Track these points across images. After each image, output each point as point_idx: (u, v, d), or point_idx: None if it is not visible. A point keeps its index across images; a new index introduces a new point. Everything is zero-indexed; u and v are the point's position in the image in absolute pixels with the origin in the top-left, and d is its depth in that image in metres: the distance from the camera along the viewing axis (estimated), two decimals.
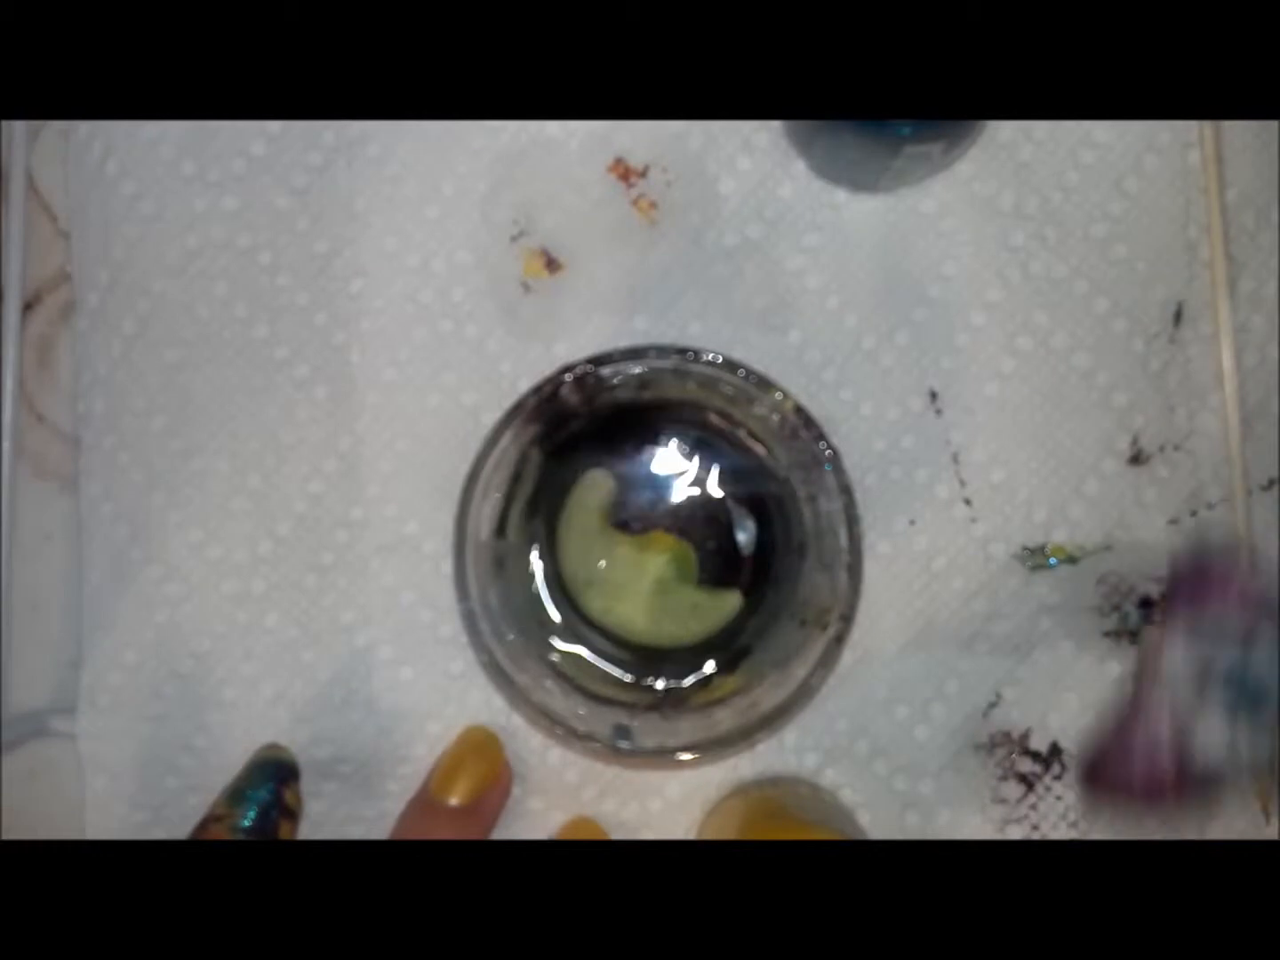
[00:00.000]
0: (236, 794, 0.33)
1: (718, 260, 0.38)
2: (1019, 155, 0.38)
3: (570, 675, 0.35)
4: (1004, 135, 0.38)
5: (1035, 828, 0.38)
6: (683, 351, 0.33)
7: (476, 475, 0.33)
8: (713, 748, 0.33)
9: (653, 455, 0.37)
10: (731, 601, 0.36)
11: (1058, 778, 0.38)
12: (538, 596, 0.36)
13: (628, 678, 0.36)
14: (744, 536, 0.37)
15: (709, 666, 0.36)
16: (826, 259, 0.38)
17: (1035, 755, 0.38)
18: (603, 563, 0.36)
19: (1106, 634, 0.38)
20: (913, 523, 0.38)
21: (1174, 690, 0.32)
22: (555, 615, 0.36)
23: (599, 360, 0.33)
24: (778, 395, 0.33)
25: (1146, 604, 0.38)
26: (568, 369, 0.33)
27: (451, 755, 0.36)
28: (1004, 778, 0.38)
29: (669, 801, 0.38)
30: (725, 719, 0.34)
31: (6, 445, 0.39)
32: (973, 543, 0.38)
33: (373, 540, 0.38)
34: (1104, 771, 0.34)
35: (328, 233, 0.39)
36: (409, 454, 0.38)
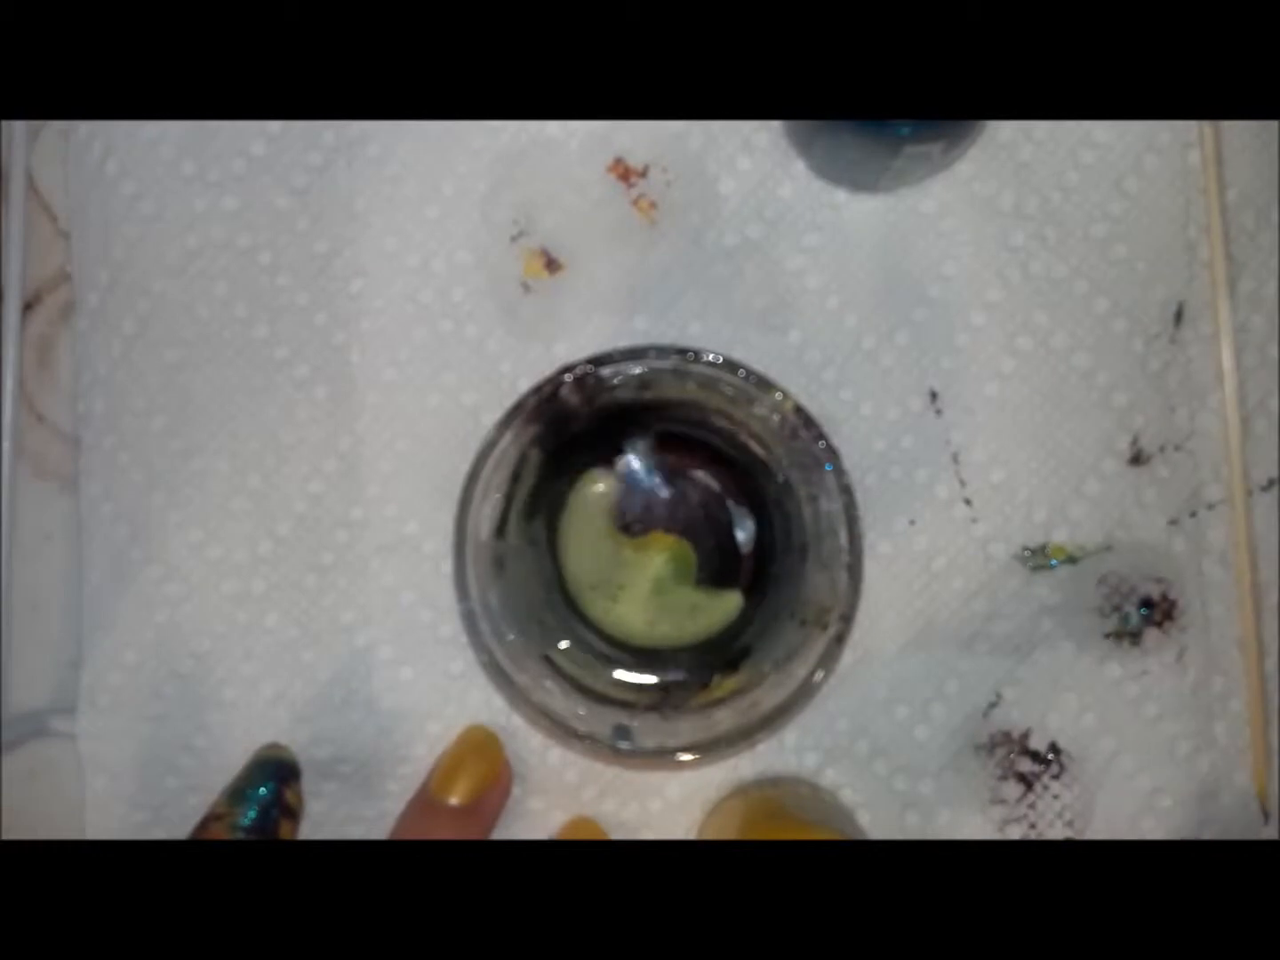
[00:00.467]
0: (237, 793, 0.33)
1: (718, 260, 0.38)
2: (1019, 155, 0.38)
3: (570, 675, 0.35)
4: (1004, 135, 0.38)
5: (1033, 826, 0.38)
6: (683, 352, 0.33)
7: (476, 475, 0.33)
8: (713, 748, 0.33)
9: (653, 456, 0.37)
10: (731, 602, 0.36)
11: (1056, 777, 0.38)
12: (538, 597, 0.36)
13: (627, 678, 0.36)
14: (743, 536, 0.37)
15: (709, 666, 0.36)
16: (826, 259, 0.38)
17: (1035, 755, 0.38)
18: (603, 564, 0.36)
19: (1107, 635, 0.38)
20: (913, 523, 0.38)
21: None
22: (555, 615, 0.36)
23: (599, 360, 0.33)
24: (778, 395, 0.33)
25: (1147, 604, 0.38)
26: (568, 369, 0.33)
27: (451, 755, 0.36)
28: (1003, 778, 0.38)
29: (669, 802, 0.38)
30: (725, 719, 0.34)
31: (6, 445, 0.39)
32: (973, 543, 0.38)
33: (373, 540, 0.38)
34: None
35: (328, 233, 0.39)
36: (409, 454, 0.38)
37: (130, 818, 0.38)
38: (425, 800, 0.36)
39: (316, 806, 0.38)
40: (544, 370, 0.34)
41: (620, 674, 0.36)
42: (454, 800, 0.35)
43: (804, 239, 0.38)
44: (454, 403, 0.38)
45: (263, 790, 0.33)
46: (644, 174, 0.39)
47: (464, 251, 0.39)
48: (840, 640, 0.33)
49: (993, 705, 0.38)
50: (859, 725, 0.38)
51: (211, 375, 0.39)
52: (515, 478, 0.35)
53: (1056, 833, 0.38)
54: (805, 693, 0.33)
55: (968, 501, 0.38)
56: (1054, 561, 0.38)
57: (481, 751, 0.36)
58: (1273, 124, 0.38)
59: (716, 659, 0.36)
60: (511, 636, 0.34)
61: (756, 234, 0.38)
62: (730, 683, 0.35)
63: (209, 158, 0.39)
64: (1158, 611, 0.38)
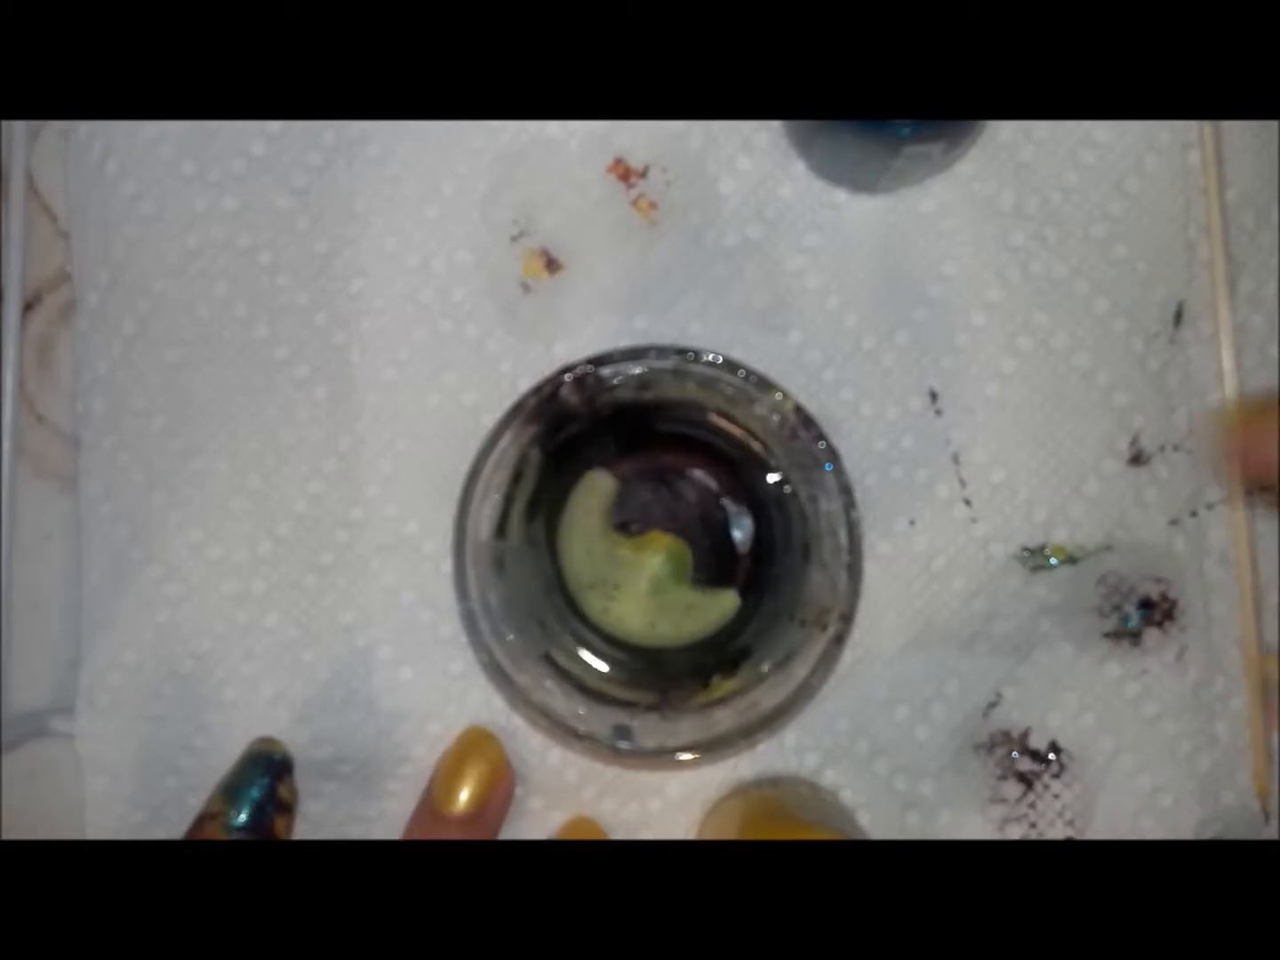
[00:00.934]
0: (230, 790, 0.33)
1: (718, 260, 0.38)
2: (1019, 155, 0.38)
3: (570, 675, 0.35)
4: (1004, 135, 0.38)
5: (1033, 826, 0.38)
6: (682, 352, 0.33)
7: (476, 475, 0.33)
8: (713, 748, 0.33)
9: (652, 455, 0.37)
10: (727, 601, 0.36)
11: (1056, 777, 0.38)
12: (538, 597, 0.36)
13: (627, 678, 0.36)
14: (740, 536, 0.37)
15: (709, 666, 0.36)
16: (826, 259, 0.38)
17: (1035, 755, 0.38)
18: (601, 563, 0.36)
19: (1106, 634, 0.38)
20: (913, 523, 0.38)
21: None
22: (555, 615, 0.36)
23: (599, 360, 0.33)
24: (778, 395, 0.33)
25: (1147, 604, 0.38)
26: (567, 369, 0.33)
27: (451, 761, 0.36)
28: (1003, 777, 0.38)
29: (669, 801, 0.38)
30: (725, 719, 0.34)
31: (6, 445, 0.39)
32: (973, 543, 0.38)
33: (373, 540, 0.38)
34: None
35: (328, 233, 0.39)
36: (409, 454, 0.38)
37: (130, 818, 0.38)
38: (429, 810, 0.35)
39: (316, 806, 0.38)
40: (544, 370, 0.34)
41: (620, 674, 0.36)
42: (458, 808, 0.35)
43: (804, 239, 0.38)
44: (454, 403, 0.38)
45: (256, 787, 0.33)
46: (644, 174, 0.39)
47: (464, 251, 0.39)
48: (840, 640, 0.33)
49: (993, 705, 0.38)
50: (859, 725, 0.38)
51: (211, 375, 0.38)
52: (515, 478, 0.35)
53: (1057, 832, 0.38)
54: (805, 693, 0.33)
55: (967, 501, 0.38)
56: (1054, 561, 0.38)
57: (482, 754, 0.36)
58: (1273, 124, 0.38)
59: (716, 659, 0.36)
60: (511, 636, 0.34)
61: (756, 234, 0.38)
62: (730, 683, 0.35)
63: (209, 158, 0.39)
64: (1158, 611, 0.38)
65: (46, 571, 0.39)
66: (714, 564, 0.37)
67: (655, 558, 0.36)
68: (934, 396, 0.38)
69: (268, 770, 0.34)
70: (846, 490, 0.33)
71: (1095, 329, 0.38)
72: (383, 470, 0.38)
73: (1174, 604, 0.38)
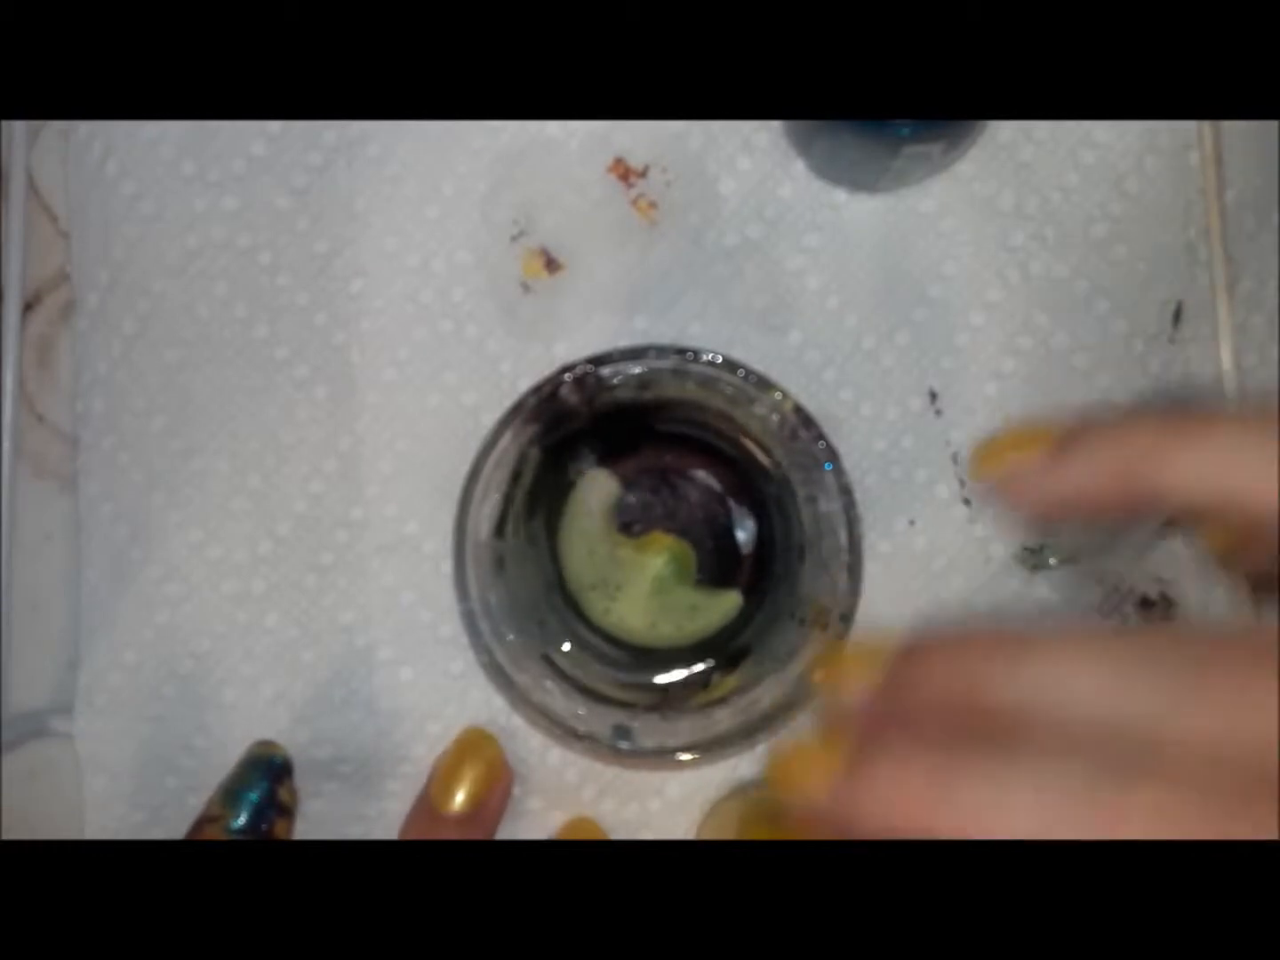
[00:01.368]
0: (230, 794, 0.33)
1: (717, 260, 0.38)
2: (1019, 155, 0.38)
3: (570, 676, 0.35)
4: (1004, 135, 0.38)
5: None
6: (682, 351, 0.33)
7: (476, 475, 0.33)
8: (713, 748, 0.33)
9: (652, 455, 0.37)
10: (730, 601, 0.36)
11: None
12: (538, 597, 0.36)
13: (627, 678, 0.36)
14: (744, 536, 0.37)
15: (709, 666, 0.36)
16: (826, 259, 0.38)
17: None
18: (602, 564, 0.36)
19: None
20: (912, 523, 0.38)
21: None
22: (555, 616, 0.36)
23: (599, 360, 0.33)
24: (777, 395, 0.33)
25: (1146, 604, 0.38)
26: (567, 369, 0.33)
27: (449, 761, 0.36)
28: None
29: (669, 801, 0.38)
30: (725, 719, 0.34)
31: (6, 445, 0.39)
32: (973, 543, 0.38)
33: (373, 540, 0.38)
34: None
35: (328, 233, 0.39)
36: (409, 454, 0.38)
37: (130, 818, 0.38)
38: (426, 810, 0.35)
39: (316, 806, 0.38)
40: (544, 370, 0.34)
41: (620, 674, 0.36)
42: (455, 808, 0.35)
43: (804, 239, 0.38)
44: (454, 403, 0.38)
45: (256, 790, 0.33)
46: (644, 174, 0.39)
47: (464, 251, 0.39)
48: (840, 640, 0.33)
49: None
50: None
51: (211, 375, 0.38)
52: (515, 477, 0.35)
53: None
54: (805, 693, 0.33)
55: (967, 502, 0.38)
56: (1053, 561, 0.38)
57: (479, 755, 0.36)
58: (1272, 124, 0.38)
59: (716, 659, 0.36)
60: (511, 637, 0.34)
61: (756, 234, 0.38)
62: (730, 682, 0.35)
63: (209, 158, 0.39)
64: (1157, 611, 0.38)
65: (46, 571, 0.39)
66: (716, 564, 0.37)
67: (658, 558, 0.36)
68: (934, 396, 0.38)
69: (267, 773, 0.34)
70: (846, 490, 0.33)
71: (1095, 329, 0.38)
72: (383, 470, 0.38)
73: (1173, 604, 0.38)
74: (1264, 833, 0.22)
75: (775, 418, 0.34)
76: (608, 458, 0.37)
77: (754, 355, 0.38)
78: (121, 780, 0.38)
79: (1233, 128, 0.38)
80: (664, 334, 0.38)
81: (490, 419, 0.35)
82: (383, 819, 0.38)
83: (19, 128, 0.39)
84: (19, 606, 0.39)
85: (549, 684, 0.34)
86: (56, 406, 0.39)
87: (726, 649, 0.36)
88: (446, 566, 0.37)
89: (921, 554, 0.38)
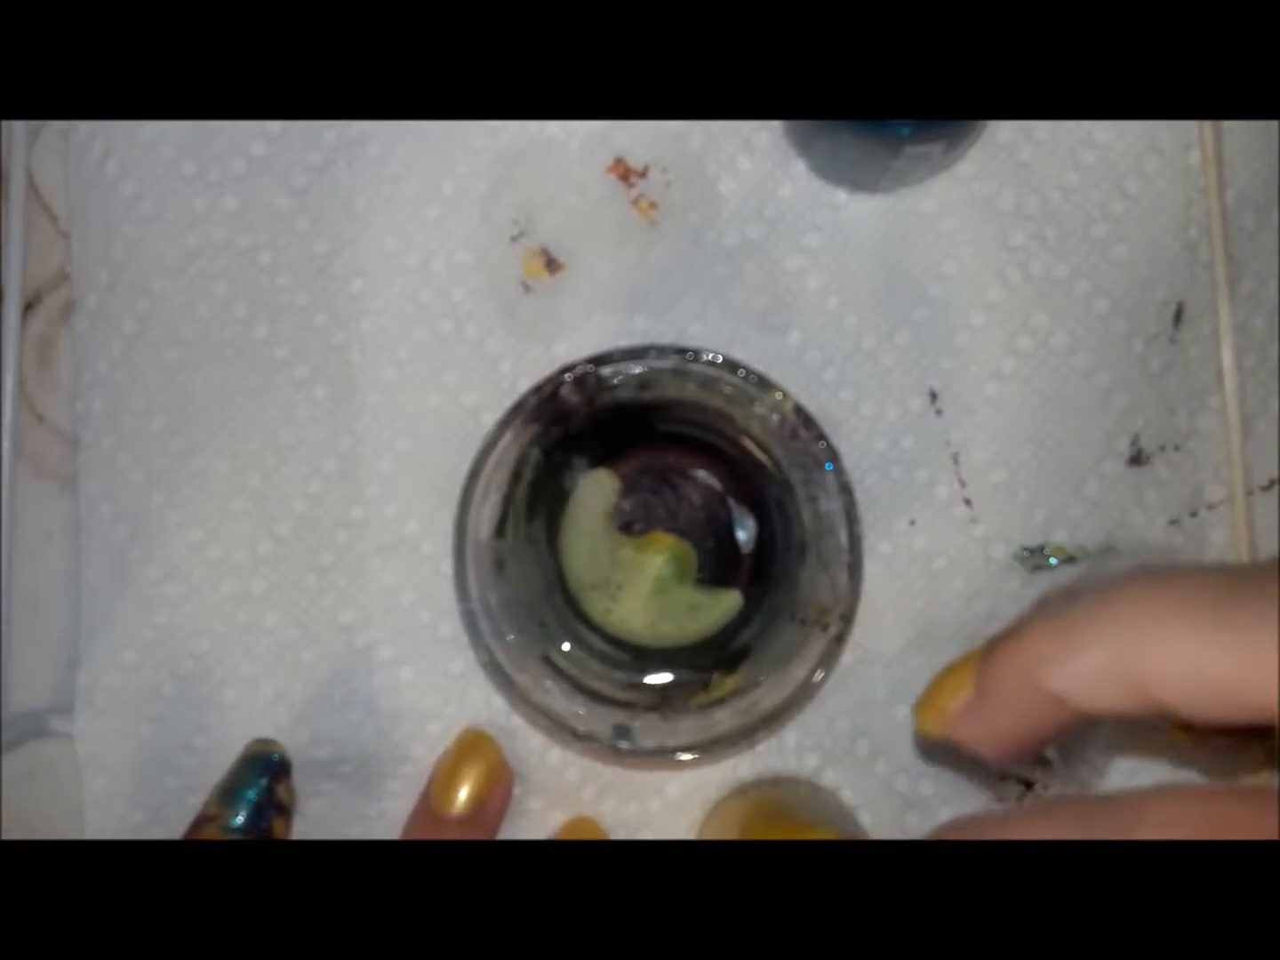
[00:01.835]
0: (227, 793, 0.33)
1: (718, 260, 0.38)
2: (1019, 155, 0.38)
3: (570, 675, 0.35)
4: (1004, 135, 0.38)
5: (1029, 785, 0.37)
6: (683, 351, 0.33)
7: (476, 475, 0.33)
8: (713, 748, 0.33)
9: (653, 455, 0.37)
10: (730, 601, 0.36)
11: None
12: (538, 597, 0.36)
13: (627, 678, 0.36)
14: (744, 536, 0.37)
15: (709, 666, 0.36)
16: (826, 259, 0.38)
17: (1035, 755, 0.38)
18: (603, 564, 0.36)
19: None
20: (913, 523, 0.38)
21: None
22: (556, 616, 0.36)
23: (599, 360, 0.33)
24: (778, 395, 0.33)
25: None
26: (568, 369, 0.33)
27: (449, 763, 0.36)
28: (1004, 778, 0.38)
29: (669, 801, 0.38)
30: (725, 719, 0.34)
31: (6, 445, 0.39)
32: (973, 543, 0.38)
33: (373, 540, 0.38)
34: None
35: (328, 233, 0.38)
36: (409, 454, 0.38)
37: (130, 818, 0.38)
38: (427, 812, 0.36)
39: (316, 806, 0.38)
40: (544, 370, 0.34)
41: (620, 674, 0.36)
42: (456, 809, 0.35)
43: (804, 239, 0.38)
44: (454, 403, 0.38)
45: (254, 789, 0.33)
46: (644, 174, 0.39)
47: (464, 251, 0.39)
48: (840, 640, 0.33)
49: None
50: (859, 725, 0.38)
51: (211, 375, 0.38)
52: (515, 477, 0.35)
53: (1060, 807, 0.38)
54: (805, 693, 0.33)
55: (968, 502, 0.38)
56: (1054, 562, 0.38)
57: (479, 755, 0.36)
58: (1273, 124, 0.38)
59: (716, 659, 0.36)
60: (511, 637, 0.34)
61: (756, 234, 0.38)
62: (730, 682, 0.35)
63: (209, 158, 0.39)
64: None
65: (46, 571, 0.39)
66: (717, 564, 0.37)
67: (659, 558, 0.36)
68: (934, 396, 0.38)
69: (265, 772, 0.34)
70: (846, 490, 0.33)
71: (1095, 329, 0.38)
72: (383, 470, 0.38)
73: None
74: None
75: (775, 418, 0.34)
76: (608, 458, 0.36)
77: (754, 355, 0.38)
78: (121, 780, 0.38)
79: (1233, 127, 0.38)
80: (664, 334, 0.38)
81: (490, 419, 0.35)
82: (383, 819, 0.38)
83: (19, 127, 0.39)
84: (19, 606, 0.39)
85: (549, 684, 0.34)
86: (56, 406, 0.39)
87: (727, 649, 0.36)
88: (447, 566, 0.37)
89: (922, 554, 0.38)
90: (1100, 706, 0.23)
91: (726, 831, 0.36)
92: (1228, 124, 0.38)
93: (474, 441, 0.34)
